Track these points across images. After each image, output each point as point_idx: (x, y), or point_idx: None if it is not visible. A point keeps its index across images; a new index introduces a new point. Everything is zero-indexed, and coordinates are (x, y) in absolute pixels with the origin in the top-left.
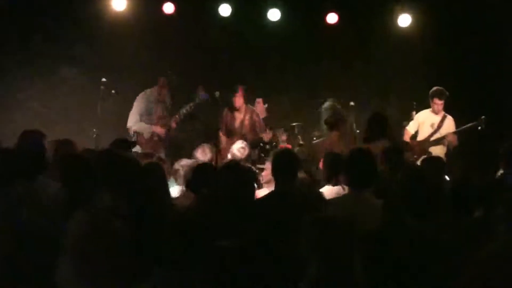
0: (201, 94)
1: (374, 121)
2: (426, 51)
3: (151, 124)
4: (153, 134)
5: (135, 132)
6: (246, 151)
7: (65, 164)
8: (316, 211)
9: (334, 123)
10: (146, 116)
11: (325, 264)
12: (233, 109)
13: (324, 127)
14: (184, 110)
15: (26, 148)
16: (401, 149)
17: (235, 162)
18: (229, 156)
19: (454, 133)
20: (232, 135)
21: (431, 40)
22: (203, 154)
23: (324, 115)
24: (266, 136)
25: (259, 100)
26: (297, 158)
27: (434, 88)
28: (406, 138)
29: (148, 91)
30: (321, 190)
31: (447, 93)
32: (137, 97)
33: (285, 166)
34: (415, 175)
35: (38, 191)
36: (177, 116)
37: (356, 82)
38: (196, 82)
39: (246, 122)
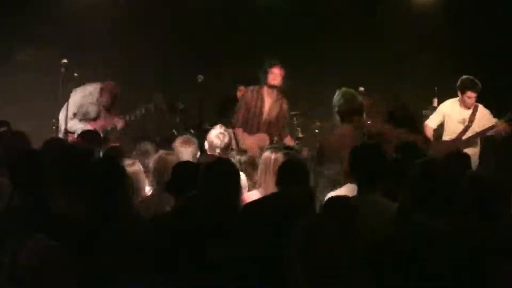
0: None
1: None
2: (449, 28)
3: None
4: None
5: (66, 131)
6: (226, 138)
7: (15, 161)
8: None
9: (346, 113)
10: (81, 116)
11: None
12: (264, 88)
13: (337, 118)
14: (133, 116)
15: None
16: (415, 144)
17: (219, 159)
18: (206, 145)
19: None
20: (253, 127)
21: (454, 15)
22: (185, 145)
23: (337, 104)
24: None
25: None
26: (307, 170)
27: (464, 78)
28: (428, 135)
29: (89, 88)
30: (341, 189)
31: (479, 83)
32: (76, 92)
33: (292, 177)
34: (433, 168)
35: None
36: (122, 118)
37: (366, 63)
38: (176, 63)
39: (275, 111)
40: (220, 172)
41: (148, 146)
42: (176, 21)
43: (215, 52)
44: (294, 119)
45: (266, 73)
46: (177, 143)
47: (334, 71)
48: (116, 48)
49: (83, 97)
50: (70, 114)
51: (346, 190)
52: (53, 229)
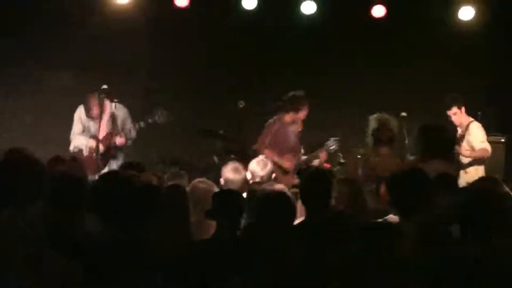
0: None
1: (429, 136)
2: (494, 50)
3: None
4: (91, 150)
5: (75, 148)
6: (268, 166)
7: (56, 185)
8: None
9: (380, 137)
10: (86, 131)
11: None
12: (289, 122)
13: (369, 142)
14: (120, 122)
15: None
16: (454, 177)
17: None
18: (248, 175)
19: None
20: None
21: (499, 37)
22: (236, 173)
23: (370, 129)
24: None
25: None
26: (330, 181)
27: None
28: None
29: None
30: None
31: (453, 99)
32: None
33: (315, 191)
34: (483, 198)
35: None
36: (122, 132)
37: (408, 87)
38: (214, 88)
39: (298, 137)
40: (278, 206)
41: (181, 171)
42: (216, 45)
43: (255, 77)
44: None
45: (299, 105)
46: (227, 171)
47: (375, 96)
48: (153, 73)
49: (79, 112)
50: (79, 129)
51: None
52: (85, 252)
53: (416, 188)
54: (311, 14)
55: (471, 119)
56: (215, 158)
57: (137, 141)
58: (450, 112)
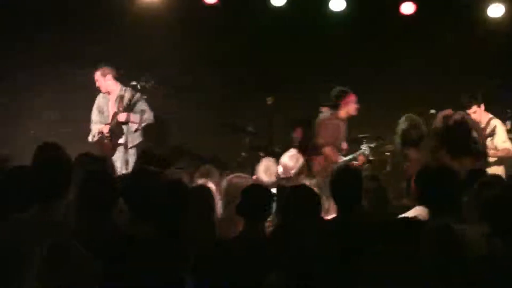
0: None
1: (453, 133)
2: None
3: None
4: (100, 134)
5: (92, 136)
6: (300, 161)
7: (84, 182)
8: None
9: (408, 138)
10: (100, 115)
11: None
12: (344, 117)
13: (398, 142)
14: (127, 101)
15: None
16: (484, 171)
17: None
18: (280, 169)
19: None
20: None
21: None
22: (267, 175)
23: (399, 128)
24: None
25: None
26: (361, 179)
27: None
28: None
29: None
30: (411, 211)
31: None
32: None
33: (346, 190)
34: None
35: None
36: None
37: (437, 84)
38: (243, 85)
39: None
40: (303, 199)
41: (211, 167)
42: (245, 41)
43: (284, 74)
44: (364, 141)
45: (345, 99)
46: (260, 171)
47: (405, 94)
48: (183, 70)
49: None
50: (95, 118)
51: (416, 212)
52: (111, 248)
53: (444, 185)
54: (340, 11)
55: (491, 115)
56: (243, 154)
57: (165, 136)
58: (470, 111)
